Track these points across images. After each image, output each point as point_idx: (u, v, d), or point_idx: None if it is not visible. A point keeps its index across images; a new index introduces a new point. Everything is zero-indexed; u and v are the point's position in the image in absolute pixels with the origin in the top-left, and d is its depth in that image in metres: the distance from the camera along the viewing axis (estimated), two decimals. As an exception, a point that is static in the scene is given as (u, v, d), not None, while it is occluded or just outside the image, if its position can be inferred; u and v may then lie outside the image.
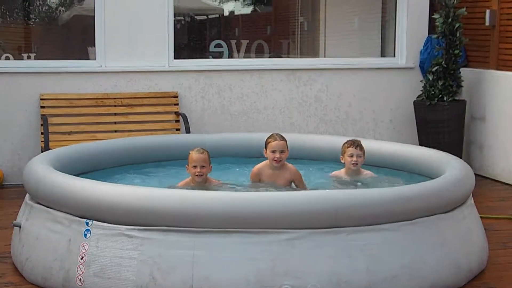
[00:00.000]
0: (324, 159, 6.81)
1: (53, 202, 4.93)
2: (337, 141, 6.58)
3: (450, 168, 5.51)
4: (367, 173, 6.18)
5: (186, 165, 5.69)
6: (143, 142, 6.97)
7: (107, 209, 4.61)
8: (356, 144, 6.03)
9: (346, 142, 6.10)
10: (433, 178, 5.32)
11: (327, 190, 4.96)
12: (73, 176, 5.14)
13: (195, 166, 5.62)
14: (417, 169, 6.31)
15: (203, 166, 5.62)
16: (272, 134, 5.90)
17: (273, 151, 5.79)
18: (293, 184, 5.92)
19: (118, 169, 6.53)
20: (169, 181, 6.16)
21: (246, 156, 6.88)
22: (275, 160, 5.78)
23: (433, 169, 5.90)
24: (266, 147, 5.86)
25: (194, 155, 5.65)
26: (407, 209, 4.74)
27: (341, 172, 6.18)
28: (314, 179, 6.24)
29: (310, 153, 6.95)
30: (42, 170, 5.21)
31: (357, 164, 6.02)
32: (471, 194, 5.49)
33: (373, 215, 4.60)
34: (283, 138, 5.83)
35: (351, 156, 6.01)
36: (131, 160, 6.72)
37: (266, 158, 5.92)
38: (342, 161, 6.11)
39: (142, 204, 4.53)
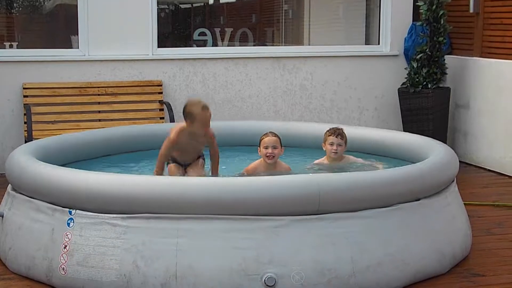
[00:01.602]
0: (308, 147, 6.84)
1: (35, 192, 4.91)
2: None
3: (433, 152, 5.53)
4: (348, 158, 6.19)
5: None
6: (126, 132, 6.93)
7: (90, 198, 4.59)
8: (337, 133, 6.06)
9: (328, 130, 6.13)
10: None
11: (310, 175, 4.97)
12: (55, 165, 5.10)
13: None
14: (401, 155, 6.32)
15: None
16: (266, 132, 5.92)
17: (266, 147, 5.81)
18: None
19: (101, 159, 6.50)
20: (150, 171, 6.16)
21: (228, 144, 6.86)
22: (268, 156, 5.80)
23: (417, 154, 5.91)
24: (259, 145, 5.89)
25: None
26: (391, 192, 4.75)
27: (323, 160, 6.21)
28: (298, 168, 6.24)
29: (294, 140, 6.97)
30: (24, 160, 5.17)
31: (337, 152, 6.05)
32: (455, 181, 5.50)
33: (356, 198, 4.61)
34: (276, 135, 5.85)
35: (332, 144, 6.05)
36: (114, 150, 6.69)
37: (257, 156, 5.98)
38: (324, 149, 6.14)
39: (124, 191, 4.51)
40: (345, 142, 6.09)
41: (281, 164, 5.94)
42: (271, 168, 5.84)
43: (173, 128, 5.69)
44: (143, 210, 4.47)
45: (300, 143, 6.91)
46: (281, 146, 5.84)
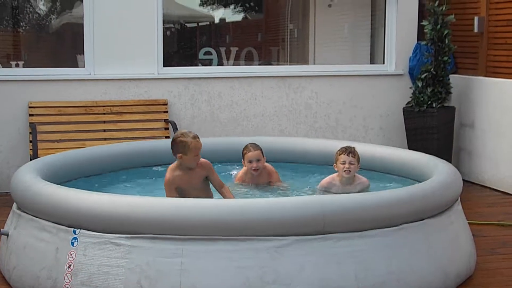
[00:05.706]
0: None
1: (40, 211, 4.91)
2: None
3: (437, 171, 5.53)
4: (361, 181, 6.05)
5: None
6: (130, 148, 6.96)
7: (94, 217, 4.59)
8: (348, 151, 5.91)
9: (339, 149, 5.98)
10: (422, 181, 5.34)
11: (314, 196, 4.97)
12: (59, 185, 5.11)
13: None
14: (406, 172, 6.32)
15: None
16: (247, 145, 6.12)
17: (250, 161, 6.09)
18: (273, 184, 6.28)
19: (106, 176, 6.53)
20: (155, 187, 6.19)
21: (235, 160, 6.89)
22: (254, 170, 6.11)
23: (421, 172, 5.92)
24: (243, 158, 6.15)
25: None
26: (395, 212, 4.75)
27: (334, 179, 6.03)
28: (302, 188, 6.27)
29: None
30: (29, 179, 5.18)
31: (349, 171, 5.89)
32: (459, 200, 5.50)
33: (361, 219, 4.61)
34: (258, 148, 6.02)
35: (343, 163, 5.88)
36: (119, 166, 6.72)
37: None
38: (336, 169, 5.97)
39: (129, 212, 4.51)
40: (358, 161, 5.93)
41: (266, 168, 6.25)
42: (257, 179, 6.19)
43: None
44: (148, 231, 4.47)
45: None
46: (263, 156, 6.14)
